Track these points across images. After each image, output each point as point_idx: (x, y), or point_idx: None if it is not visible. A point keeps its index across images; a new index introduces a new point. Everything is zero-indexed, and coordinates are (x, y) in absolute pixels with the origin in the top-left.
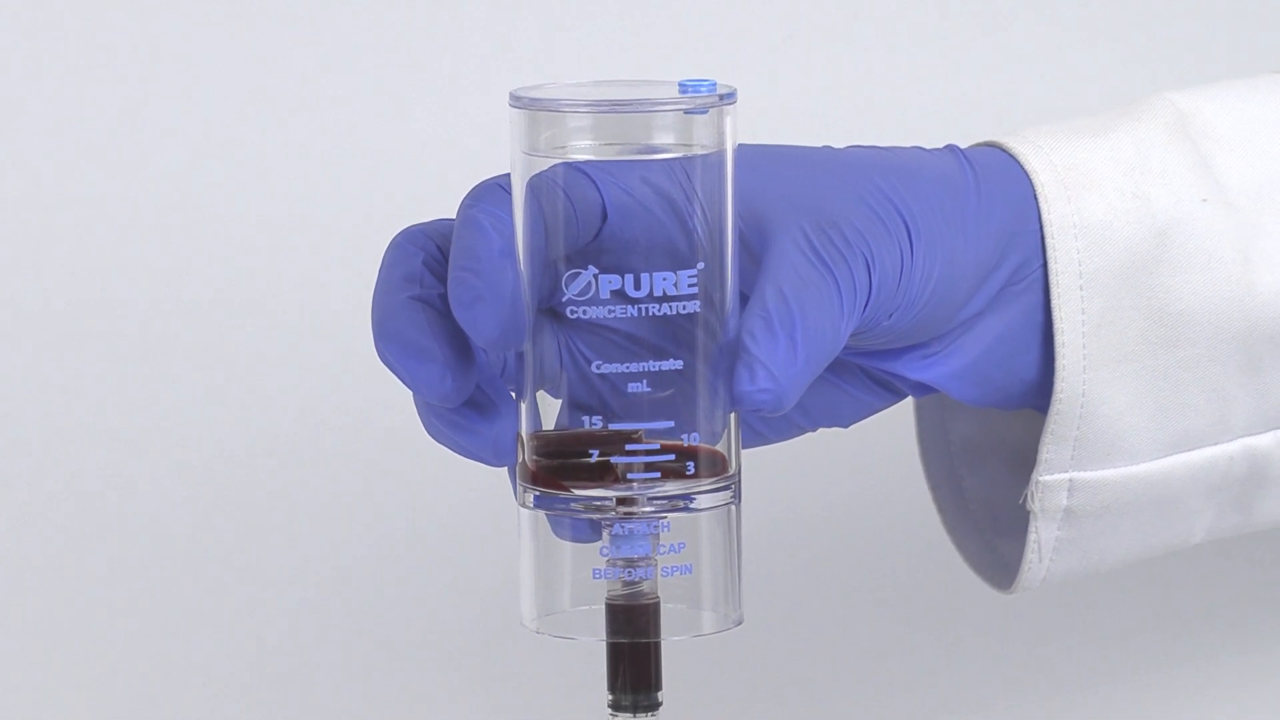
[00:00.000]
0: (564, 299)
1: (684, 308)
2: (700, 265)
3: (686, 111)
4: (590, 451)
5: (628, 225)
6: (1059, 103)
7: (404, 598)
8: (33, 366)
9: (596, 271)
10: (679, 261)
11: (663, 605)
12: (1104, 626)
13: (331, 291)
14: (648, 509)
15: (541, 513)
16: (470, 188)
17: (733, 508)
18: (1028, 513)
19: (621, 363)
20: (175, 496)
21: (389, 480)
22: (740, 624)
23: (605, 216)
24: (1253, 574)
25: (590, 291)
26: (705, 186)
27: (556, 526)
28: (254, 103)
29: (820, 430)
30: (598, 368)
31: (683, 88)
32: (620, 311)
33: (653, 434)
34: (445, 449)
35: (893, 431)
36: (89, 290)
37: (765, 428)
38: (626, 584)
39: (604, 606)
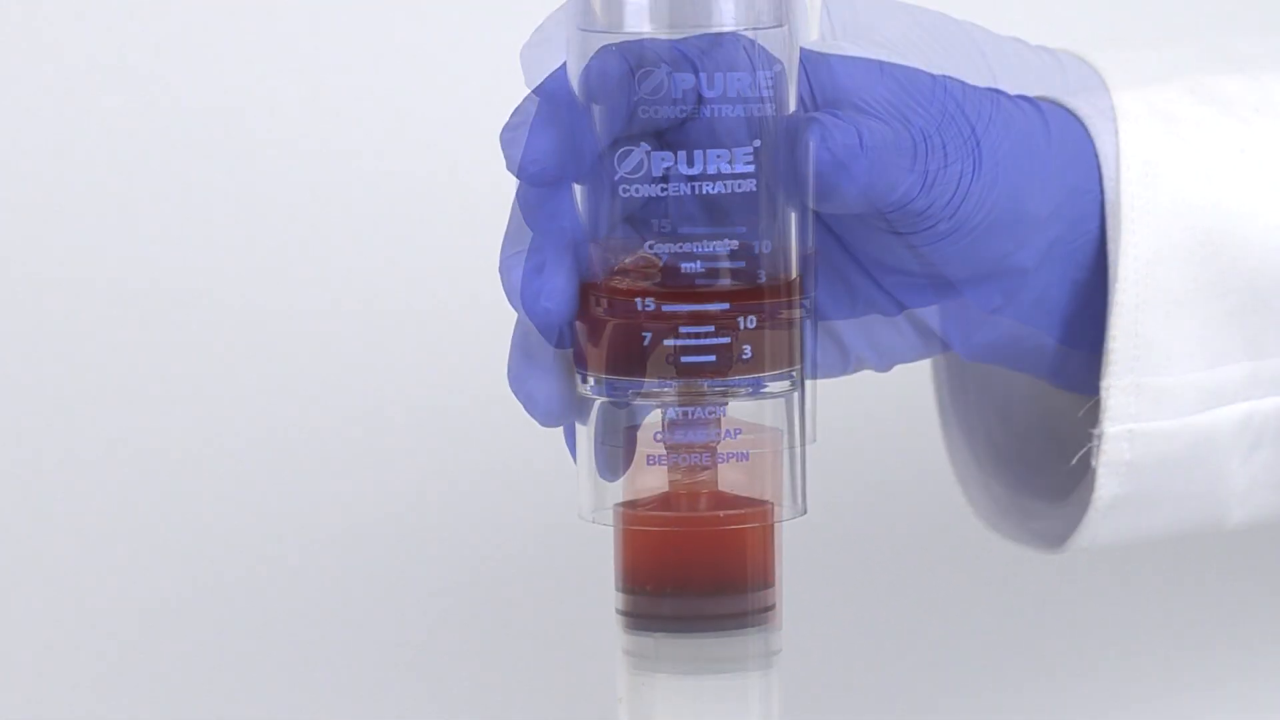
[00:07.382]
0: (616, 177)
1: (739, 186)
2: (756, 143)
3: None
4: (643, 335)
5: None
6: None
7: (406, 600)
8: (33, 366)
9: (649, 149)
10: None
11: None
12: (1115, 638)
13: (327, 289)
14: (706, 395)
15: (599, 401)
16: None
17: (795, 395)
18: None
19: (675, 243)
20: (174, 496)
21: (389, 484)
22: (804, 514)
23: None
24: (1260, 579)
25: (642, 169)
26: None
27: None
28: (249, 95)
29: (841, 441)
30: (651, 247)
31: None
32: (674, 189)
33: (708, 315)
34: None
35: (917, 438)
36: (90, 289)
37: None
38: (685, 471)
39: None
